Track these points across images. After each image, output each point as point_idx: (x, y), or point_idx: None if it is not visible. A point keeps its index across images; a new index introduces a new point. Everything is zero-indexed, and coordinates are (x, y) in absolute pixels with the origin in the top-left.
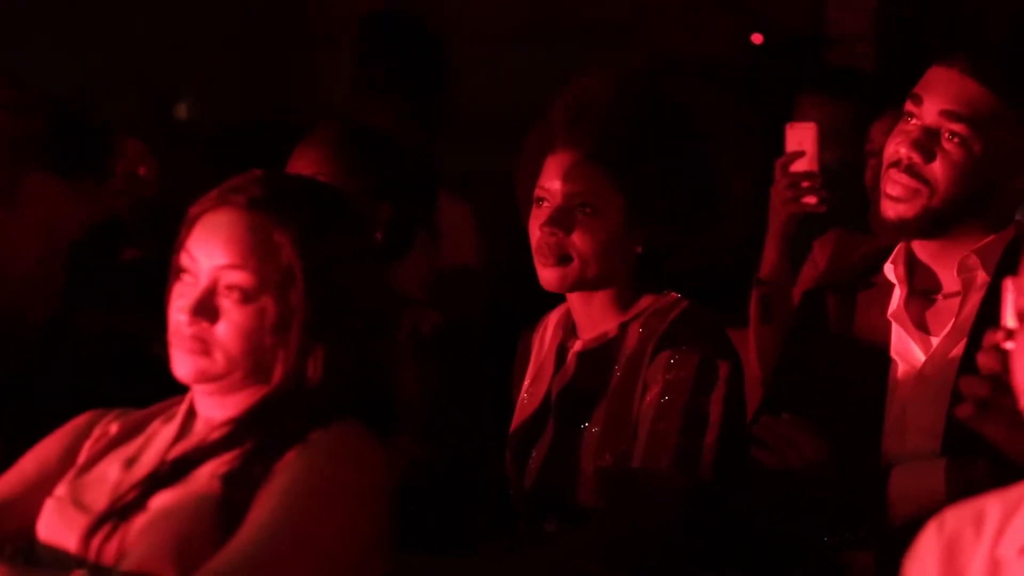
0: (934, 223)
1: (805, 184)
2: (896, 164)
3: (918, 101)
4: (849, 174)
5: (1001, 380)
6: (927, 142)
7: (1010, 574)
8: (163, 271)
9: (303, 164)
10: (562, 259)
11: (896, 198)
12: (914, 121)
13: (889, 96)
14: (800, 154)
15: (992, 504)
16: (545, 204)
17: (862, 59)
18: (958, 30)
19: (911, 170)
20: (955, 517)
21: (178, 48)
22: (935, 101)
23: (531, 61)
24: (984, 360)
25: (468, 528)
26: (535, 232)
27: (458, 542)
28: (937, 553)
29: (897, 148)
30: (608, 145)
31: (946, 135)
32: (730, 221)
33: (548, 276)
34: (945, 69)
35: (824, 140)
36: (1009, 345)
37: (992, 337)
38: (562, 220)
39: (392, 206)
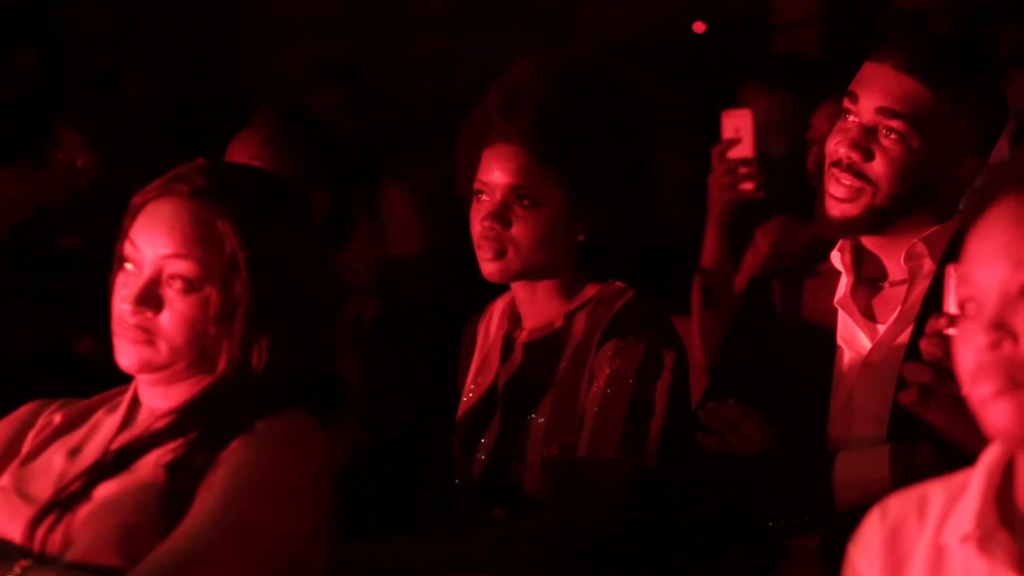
0: (879, 220)
1: (742, 171)
2: (837, 164)
3: (854, 99)
4: (794, 163)
5: (944, 366)
6: (865, 141)
7: (953, 561)
8: (99, 259)
9: (240, 150)
10: (500, 253)
11: (840, 199)
12: (852, 118)
13: (832, 83)
14: (736, 141)
15: (935, 491)
16: (484, 197)
17: (806, 46)
18: (899, 19)
19: (852, 169)
20: (899, 503)
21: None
22: (871, 98)
23: (473, 48)
24: (927, 346)
25: (413, 515)
26: (475, 226)
27: (403, 529)
28: (881, 539)
29: (837, 148)
30: (543, 135)
31: (884, 132)
32: (671, 207)
33: (489, 269)
34: (878, 65)
35: (768, 130)
36: (951, 332)
37: (935, 324)
38: (501, 214)
39: (330, 194)
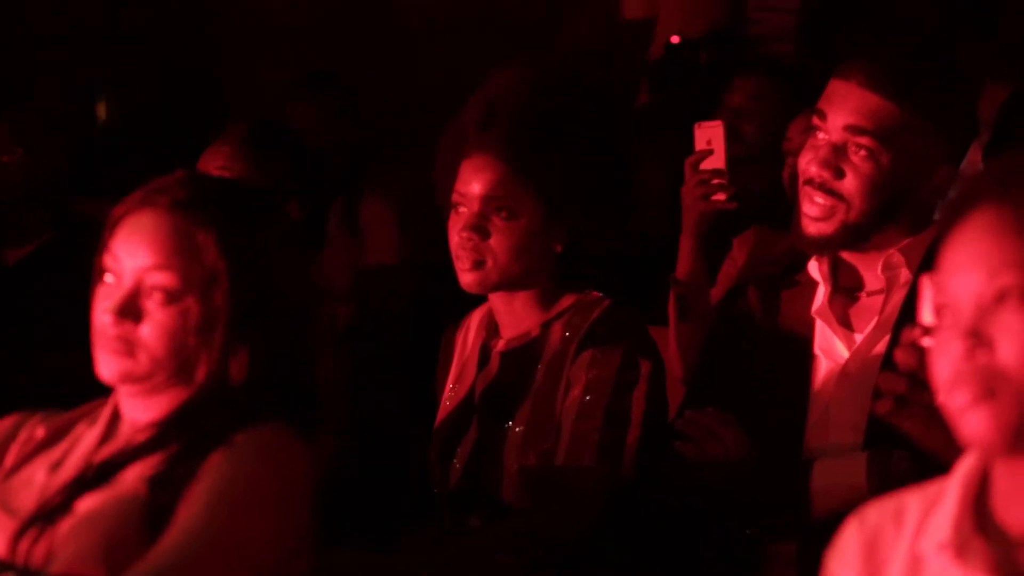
0: (854, 236)
1: (714, 181)
2: (810, 182)
3: (823, 116)
4: (765, 156)
5: (919, 376)
6: (835, 159)
7: (929, 569)
8: (46, 272)
9: (211, 161)
10: (478, 264)
11: (814, 217)
12: (821, 136)
13: (808, 96)
14: (709, 152)
15: (912, 499)
16: (462, 208)
17: (783, 59)
18: (875, 31)
19: (824, 187)
20: (876, 512)
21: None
22: (839, 116)
23: (453, 60)
24: (902, 356)
25: (392, 524)
26: (454, 237)
27: (381, 538)
28: (858, 548)
29: (808, 166)
30: (521, 147)
31: (853, 149)
32: (648, 217)
33: (467, 280)
34: (844, 83)
35: (748, 114)
36: (926, 342)
37: (910, 334)
38: (479, 225)
39: (301, 203)
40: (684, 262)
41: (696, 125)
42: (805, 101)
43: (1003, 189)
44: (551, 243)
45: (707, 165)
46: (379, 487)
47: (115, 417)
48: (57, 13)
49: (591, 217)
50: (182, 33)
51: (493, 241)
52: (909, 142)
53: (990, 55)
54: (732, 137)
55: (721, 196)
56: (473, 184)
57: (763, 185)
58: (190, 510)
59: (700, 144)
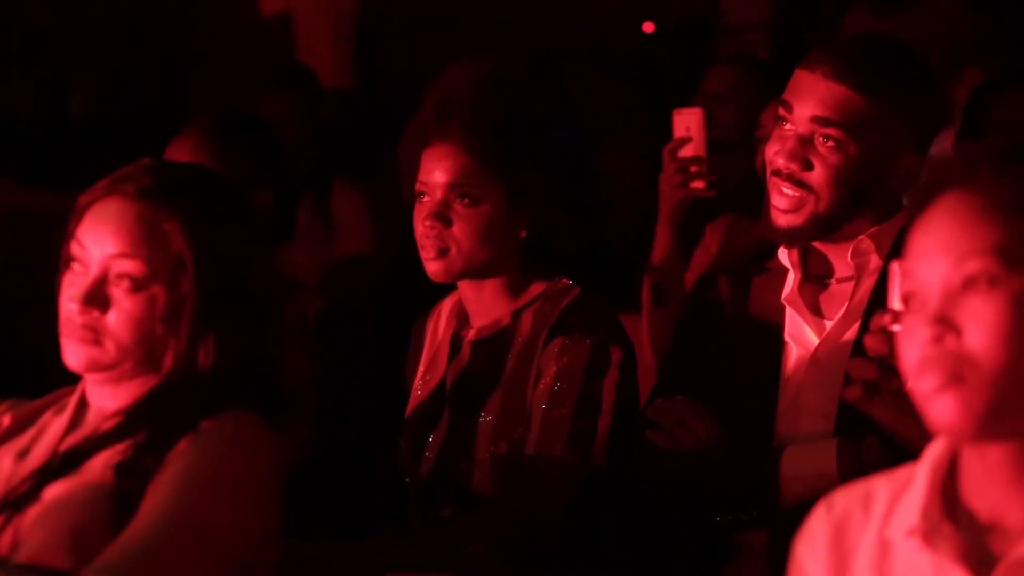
0: (824, 226)
1: (693, 169)
2: (777, 173)
3: (788, 108)
4: (740, 144)
5: (888, 363)
6: (802, 150)
7: (898, 555)
8: None
9: (178, 153)
10: (442, 252)
11: (784, 209)
12: (788, 127)
13: (780, 85)
14: (687, 139)
15: (880, 485)
16: (425, 198)
17: (755, 48)
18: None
19: (792, 179)
20: (844, 498)
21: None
22: (805, 107)
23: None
24: (871, 343)
25: (362, 514)
26: (418, 226)
27: (352, 528)
28: (826, 534)
29: (775, 158)
30: (479, 133)
31: (820, 140)
32: (620, 206)
33: (433, 268)
34: (809, 74)
35: (726, 102)
36: (896, 328)
37: (880, 320)
38: (441, 213)
39: (269, 193)
40: (660, 250)
41: (675, 112)
42: (779, 91)
43: (970, 175)
44: (515, 229)
45: (685, 152)
46: (350, 478)
47: (82, 405)
48: (30, 6)
49: (554, 202)
50: (154, 26)
51: (456, 229)
52: (876, 132)
53: (970, 43)
54: (708, 122)
55: (699, 184)
56: (435, 173)
57: (737, 173)
58: (158, 496)
59: (679, 131)
